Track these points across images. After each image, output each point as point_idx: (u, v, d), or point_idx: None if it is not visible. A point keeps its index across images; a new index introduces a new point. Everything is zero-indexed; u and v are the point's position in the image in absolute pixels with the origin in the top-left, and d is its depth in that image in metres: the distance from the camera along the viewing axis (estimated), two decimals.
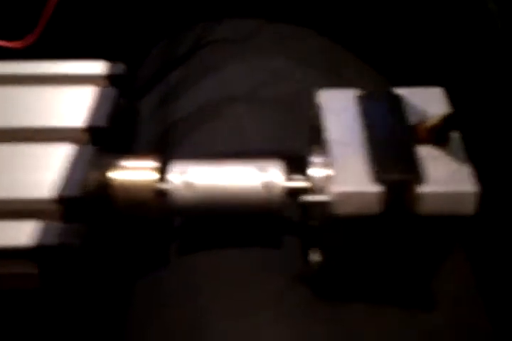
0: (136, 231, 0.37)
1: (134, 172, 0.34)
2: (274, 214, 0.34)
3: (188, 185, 0.34)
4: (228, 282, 0.34)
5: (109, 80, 0.37)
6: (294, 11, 0.50)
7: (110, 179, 0.34)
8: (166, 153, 0.41)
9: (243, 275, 0.35)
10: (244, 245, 0.36)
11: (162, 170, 0.34)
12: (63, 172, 0.31)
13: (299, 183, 0.33)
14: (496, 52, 0.44)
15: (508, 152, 0.45)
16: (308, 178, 0.33)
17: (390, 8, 0.50)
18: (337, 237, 0.30)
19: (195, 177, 0.34)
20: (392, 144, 0.30)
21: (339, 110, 0.32)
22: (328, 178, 0.30)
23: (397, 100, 0.32)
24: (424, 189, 0.28)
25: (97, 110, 0.35)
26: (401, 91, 0.33)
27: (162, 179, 0.34)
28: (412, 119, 0.31)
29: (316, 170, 0.32)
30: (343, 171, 0.29)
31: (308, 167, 0.33)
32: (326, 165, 0.30)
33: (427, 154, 0.30)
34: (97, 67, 0.37)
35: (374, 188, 0.28)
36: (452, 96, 0.32)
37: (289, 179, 0.33)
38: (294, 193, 0.33)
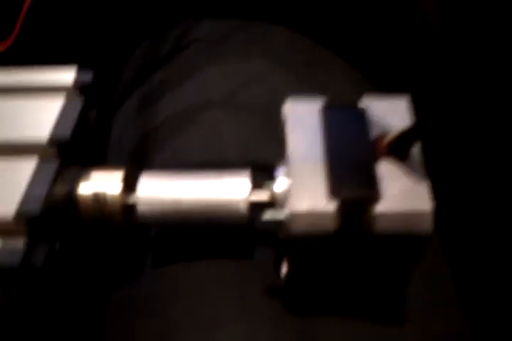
0: (108, 243, 0.37)
1: (101, 184, 0.34)
2: (244, 226, 0.34)
3: (154, 199, 0.33)
4: (201, 293, 0.34)
5: (77, 89, 0.36)
6: (277, 10, 0.49)
7: (75, 193, 0.34)
8: (143, 160, 0.41)
9: (216, 287, 0.34)
10: (218, 256, 0.35)
11: (129, 183, 0.34)
12: (25, 188, 0.31)
13: (262, 197, 0.33)
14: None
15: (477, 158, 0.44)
16: (271, 193, 0.32)
17: (372, 8, 0.49)
18: (296, 253, 0.30)
19: (162, 190, 0.34)
20: (351, 159, 0.29)
21: (303, 122, 0.31)
22: (286, 194, 0.29)
23: (361, 113, 0.31)
24: (379, 208, 0.28)
25: (61, 123, 0.34)
26: (367, 101, 0.32)
27: (129, 192, 0.34)
28: (375, 132, 0.30)
29: (278, 185, 0.32)
30: (299, 188, 0.29)
31: (274, 180, 0.33)
32: (287, 180, 0.30)
33: (386, 170, 0.29)
34: (65, 75, 0.37)
35: (328, 207, 0.28)
36: (431, 94, 0.32)
37: (253, 194, 0.33)
38: (258, 207, 0.32)
